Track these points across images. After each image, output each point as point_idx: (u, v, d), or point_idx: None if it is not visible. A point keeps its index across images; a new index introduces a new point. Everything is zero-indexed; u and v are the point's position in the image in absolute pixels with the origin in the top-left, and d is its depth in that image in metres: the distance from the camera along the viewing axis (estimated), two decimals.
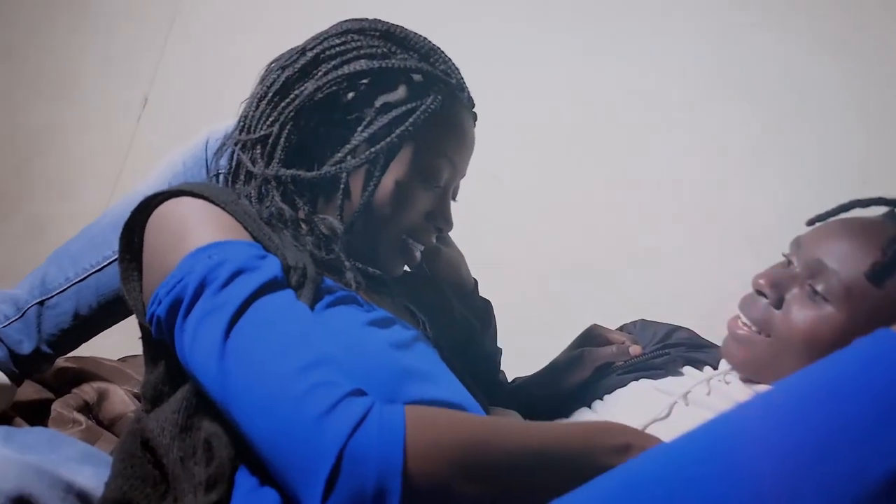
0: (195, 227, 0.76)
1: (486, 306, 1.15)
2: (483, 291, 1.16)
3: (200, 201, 0.79)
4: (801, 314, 0.89)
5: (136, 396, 1.08)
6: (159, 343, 0.76)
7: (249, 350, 0.66)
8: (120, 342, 1.26)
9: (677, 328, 1.13)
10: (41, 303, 0.96)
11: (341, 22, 0.93)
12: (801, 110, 1.64)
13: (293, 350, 0.65)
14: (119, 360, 1.26)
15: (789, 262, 0.94)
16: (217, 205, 0.79)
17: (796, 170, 1.59)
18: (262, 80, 0.92)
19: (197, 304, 0.69)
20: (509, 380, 1.19)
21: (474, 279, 1.14)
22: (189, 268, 0.71)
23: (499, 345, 1.17)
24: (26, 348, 0.95)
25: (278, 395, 0.62)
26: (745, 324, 0.94)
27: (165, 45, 2.12)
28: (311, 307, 0.74)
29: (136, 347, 1.30)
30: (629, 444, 0.66)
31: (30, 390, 1.06)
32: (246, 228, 0.79)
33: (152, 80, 2.11)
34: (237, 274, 0.70)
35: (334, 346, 0.69)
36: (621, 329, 1.16)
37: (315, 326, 0.71)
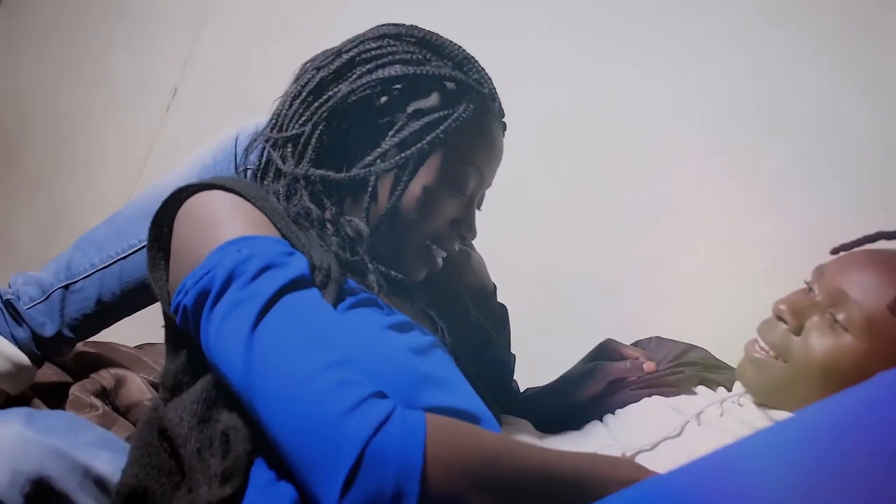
0: (225, 221, 0.77)
1: (503, 311, 1.16)
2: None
3: (231, 195, 0.80)
4: (819, 342, 0.89)
5: (153, 384, 1.09)
6: (182, 333, 0.77)
7: (275, 344, 0.67)
8: (137, 329, 1.28)
9: (692, 347, 1.13)
10: (66, 287, 0.98)
11: (378, 26, 0.94)
12: (827, 140, 1.64)
13: (318, 347, 0.66)
14: (136, 347, 1.27)
15: (810, 290, 0.94)
16: (247, 200, 0.81)
17: (821, 198, 1.58)
18: (297, 79, 0.94)
19: (224, 296, 0.70)
20: (518, 388, 1.20)
21: (493, 283, 1.15)
22: (218, 260, 0.73)
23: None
24: (49, 331, 0.97)
25: (302, 390, 0.63)
26: (762, 347, 0.94)
27: (198, 37, 2.13)
28: (334, 307, 0.75)
29: (153, 336, 1.33)
30: (636, 480, 0.66)
31: (49, 372, 1.08)
32: (275, 225, 0.80)
33: (183, 71, 2.12)
34: (266, 269, 0.71)
35: (355, 346, 0.70)
36: (636, 345, 1.16)
37: (339, 326, 0.72)
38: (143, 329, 1.29)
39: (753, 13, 1.75)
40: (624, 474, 0.67)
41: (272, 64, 2.04)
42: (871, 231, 0.92)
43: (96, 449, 0.71)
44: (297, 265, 0.74)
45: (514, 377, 1.19)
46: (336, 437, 0.59)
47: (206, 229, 0.77)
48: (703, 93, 1.75)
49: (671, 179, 1.70)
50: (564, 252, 1.70)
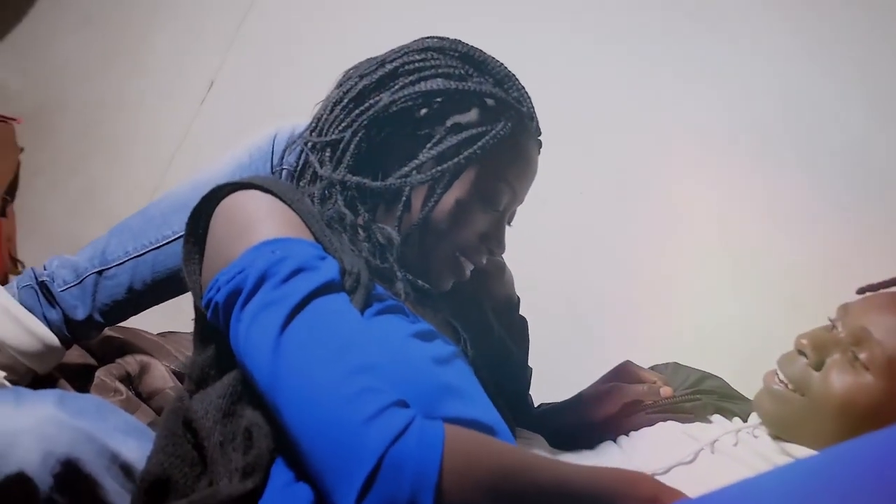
0: (261, 221, 0.79)
1: (523, 324, 1.17)
2: None
3: (269, 196, 0.82)
4: (839, 379, 0.89)
5: (175, 373, 1.11)
6: (211, 327, 0.79)
7: (303, 348, 0.68)
8: (160, 317, 1.30)
9: (709, 376, 1.13)
10: (99, 272, 1.00)
11: (423, 38, 0.95)
12: (855, 172, 1.63)
13: (344, 353, 0.68)
14: (159, 334, 1.29)
15: (834, 327, 0.94)
16: (284, 201, 0.82)
17: (847, 231, 1.58)
18: (340, 85, 0.95)
19: (255, 296, 0.72)
20: (533, 402, 1.21)
21: (518, 297, 1.16)
22: (251, 260, 0.74)
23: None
24: (80, 314, 0.99)
25: (325, 395, 0.64)
26: (781, 380, 0.94)
27: (238, 33, 2.16)
28: (362, 312, 0.76)
29: (175, 324, 1.35)
30: (657, 497, 0.67)
31: (75, 354, 1.10)
32: (309, 228, 0.81)
33: (221, 65, 2.15)
34: (298, 272, 0.73)
35: (380, 353, 0.71)
36: (653, 369, 1.16)
37: (365, 332, 0.73)
38: (165, 317, 1.31)
39: (789, 40, 1.76)
40: (643, 492, 0.67)
41: (308, 65, 2.08)
42: None
43: (124, 435, 0.73)
44: (329, 270, 0.75)
45: (529, 391, 1.20)
46: (355, 443, 0.60)
47: (241, 228, 0.79)
48: (732, 118, 1.75)
49: (695, 204, 1.71)
50: (587, 269, 1.70)
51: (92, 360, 1.12)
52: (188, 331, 1.31)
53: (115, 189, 2.22)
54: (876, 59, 1.68)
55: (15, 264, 2.16)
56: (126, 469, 0.71)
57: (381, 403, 0.62)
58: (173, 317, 1.27)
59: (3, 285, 1.96)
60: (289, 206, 0.82)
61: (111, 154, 2.24)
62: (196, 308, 0.84)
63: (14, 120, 2.18)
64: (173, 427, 0.76)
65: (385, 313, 0.79)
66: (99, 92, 2.27)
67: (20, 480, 0.65)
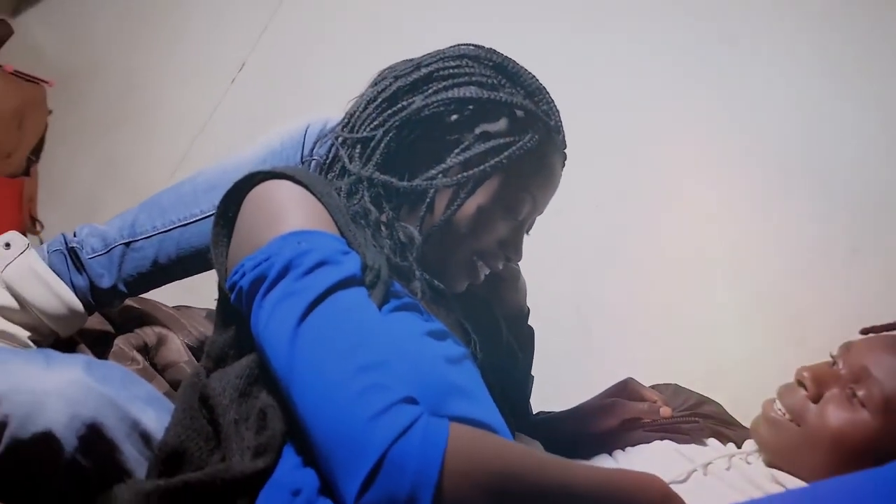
0: (289, 212, 0.81)
1: (530, 334, 1.18)
2: None
3: (299, 187, 0.84)
4: (836, 413, 0.92)
5: (189, 347, 1.14)
6: (233, 309, 0.81)
7: (319, 340, 0.69)
8: (175, 290, 1.32)
9: (708, 400, 1.16)
10: (127, 244, 1.02)
11: (459, 45, 0.97)
12: (874, 215, 1.65)
13: (358, 348, 0.69)
14: (174, 307, 1.32)
15: (835, 363, 0.96)
16: (313, 194, 0.84)
17: (860, 273, 1.59)
18: (375, 84, 0.97)
19: (278, 285, 0.73)
20: (532, 410, 1.23)
21: (528, 307, 1.18)
22: (277, 249, 0.76)
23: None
24: (106, 283, 1.01)
25: (336, 389, 0.65)
26: (779, 409, 0.97)
27: (273, 17, 2.19)
28: (379, 307, 0.77)
29: (189, 299, 1.38)
30: (667, 501, 0.68)
31: (94, 321, 1.12)
32: (336, 222, 0.83)
33: (254, 47, 2.17)
34: (321, 264, 0.74)
35: (394, 350, 0.72)
36: (654, 388, 1.19)
37: (381, 328, 0.74)
38: (180, 291, 1.34)
39: (806, 57, 1.77)
40: (654, 496, 0.68)
41: (338, 56, 2.11)
42: None
43: (144, 404, 0.76)
44: (351, 264, 0.77)
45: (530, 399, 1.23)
46: (361, 439, 0.62)
47: (270, 216, 0.81)
48: (752, 150, 1.76)
49: (711, 234, 1.72)
50: (598, 283, 1.72)
51: (110, 328, 1.15)
52: (202, 306, 1.35)
53: (138, 159, 2.25)
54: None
55: (34, 224, 2.20)
56: (145, 437, 0.74)
57: (388, 400, 0.64)
58: (189, 290, 1.30)
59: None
60: (318, 198, 0.84)
61: (138, 124, 2.27)
62: (220, 289, 0.86)
63: (46, 83, 2.21)
64: (190, 401, 0.79)
65: (401, 310, 0.81)
66: (131, 62, 2.30)
67: (47, 439, 0.68)
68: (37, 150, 2.28)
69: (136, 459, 0.73)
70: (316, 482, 0.67)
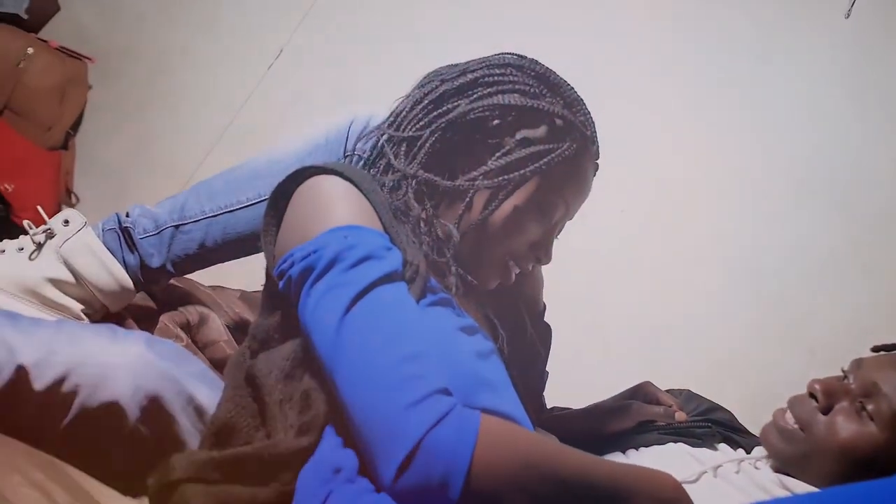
0: (338, 207, 0.85)
1: (548, 331, 1.22)
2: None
3: (347, 184, 0.88)
4: (844, 425, 0.96)
5: (227, 326, 1.19)
6: (280, 295, 0.86)
7: (363, 331, 0.74)
8: (212, 271, 1.38)
9: (720, 408, 1.20)
10: (176, 227, 1.07)
11: (503, 54, 1.01)
12: (888, 231, 1.68)
13: (398, 340, 0.74)
14: (210, 287, 1.37)
15: (846, 377, 1.00)
16: (361, 191, 0.88)
17: (873, 287, 1.63)
18: (422, 86, 1.00)
19: (325, 276, 0.78)
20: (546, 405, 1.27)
21: (544, 303, 1.22)
22: (325, 242, 0.80)
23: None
24: (155, 262, 1.07)
25: (378, 377, 0.70)
26: (790, 419, 1.01)
27: (312, 8, 2.22)
28: (417, 301, 0.82)
29: (224, 280, 1.43)
30: (677, 500, 0.73)
31: (137, 297, 1.18)
32: (380, 218, 0.87)
33: (292, 34, 2.21)
34: (366, 259, 0.79)
35: (430, 343, 0.77)
36: (668, 392, 1.23)
37: (419, 322, 0.79)
38: (215, 271, 1.39)
39: (831, 92, 1.80)
40: (666, 493, 0.72)
41: (374, 51, 2.15)
42: None
43: (197, 381, 0.81)
44: (393, 260, 0.82)
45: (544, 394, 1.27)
46: (399, 425, 0.67)
47: (319, 210, 0.85)
48: (770, 162, 1.80)
49: (727, 243, 1.76)
50: (617, 287, 1.77)
51: (151, 304, 1.20)
52: (234, 287, 1.40)
53: (173, 138, 2.30)
54: None
55: (69, 196, 2.26)
56: (199, 411, 0.79)
57: (425, 390, 0.69)
58: (223, 273, 1.35)
59: (54, 212, 2.08)
60: (364, 195, 0.88)
61: (174, 104, 2.31)
62: (268, 275, 0.92)
63: (89, 59, 2.26)
64: (237, 380, 0.84)
65: (437, 305, 0.86)
66: (171, 43, 2.34)
67: (113, 408, 0.74)
68: (75, 125, 2.33)
69: (189, 431, 0.78)
70: (356, 462, 0.72)
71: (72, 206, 2.26)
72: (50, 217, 1.03)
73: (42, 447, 0.69)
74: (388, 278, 0.79)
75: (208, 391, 0.81)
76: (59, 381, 0.72)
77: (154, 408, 0.75)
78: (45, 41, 2.16)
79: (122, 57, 2.35)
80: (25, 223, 1.03)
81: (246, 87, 2.24)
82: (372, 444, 0.69)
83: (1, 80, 2.05)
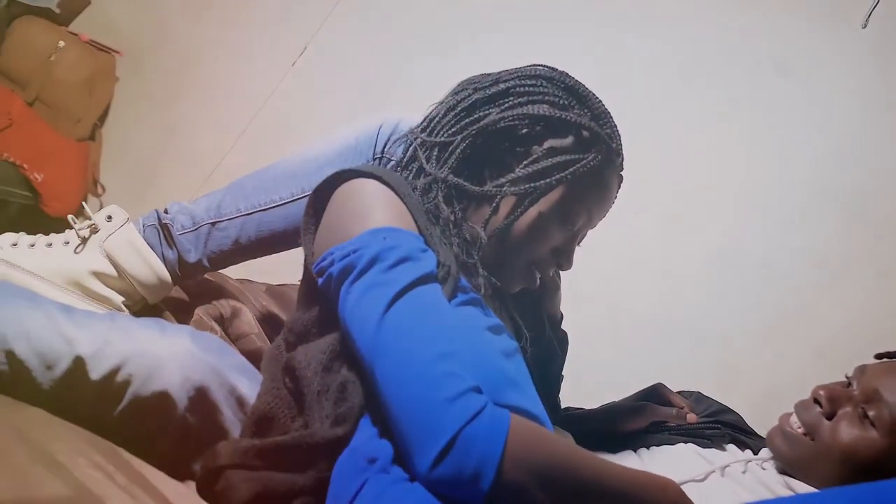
0: (376, 209, 0.89)
1: (565, 338, 1.27)
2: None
3: (385, 187, 0.92)
4: (847, 431, 0.99)
5: (257, 319, 1.24)
6: (318, 291, 0.90)
7: (401, 329, 0.78)
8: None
9: (729, 410, 1.24)
10: (213, 224, 1.12)
11: (535, 65, 1.04)
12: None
13: (435, 338, 0.78)
14: (237, 280, 1.42)
15: (849, 384, 1.04)
16: (397, 194, 0.92)
17: (882, 297, 1.66)
18: (455, 93, 1.04)
19: (365, 275, 0.82)
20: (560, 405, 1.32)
21: (561, 313, 1.26)
22: (365, 242, 0.85)
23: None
24: (192, 258, 1.11)
25: (417, 373, 0.75)
26: (795, 423, 1.04)
27: (336, 7, 2.27)
28: (449, 300, 0.86)
29: (249, 274, 1.47)
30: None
31: (173, 290, 1.23)
32: (415, 221, 0.91)
33: (317, 31, 2.25)
34: (404, 260, 0.83)
35: (463, 342, 0.81)
36: (679, 393, 1.27)
37: (452, 322, 0.83)
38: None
39: (849, 103, 1.83)
40: (670, 498, 0.77)
41: (397, 51, 2.19)
42: None
43: (238, 372, 0.86)
44: (429, 262, 0.86)
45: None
46: (437, 419, 0.71)
47: (359, 211, 0.89)
48: (786, 170, 1.83)
49: (742, 247, 1.80)
50: (632, 289, 1.81)
51: (184, 296, 1.25)
52: (260, 280, 1.45)
53: (198, 131, 2.35)
54: None
55: (96, 186, 2.31)
56: (240, 401, 0.84)
57: (461, 387, 0.73)
58: (249, 268, 1.40)
59: (84, 203, 2.14)
60: (401, 199, 0.92)
61: (199, 98, 2.36)
62: (305, 271, 0.96)
63: (117, 52, 2.31)
64: (275, 372, 0.89)
65: (467, 304, 0.89)
66: (197, 38, 2.39)
67: (163, 398, 0.79)
68: (102, 117, 2.39)
69: (231, 421, 0.83)
70: (390, 452, 0.76)
71: (98, 196, 2.31)
72: (93, 213, 1.08)
73: (97, 433, 0.73)
74: (424, 279, 0.83)
75: (248, 382, 0.86)
76: (114, 372, 0.77)
77: (200, 398, 0.80)
78: (75, 34, 2.21)
79: (150, 51, 2.40)
80: (70, 218, 1.08)
81: (270, 83, 2.28)
82: (409, 436, 0.73)
83: (33, 73, 2.11)
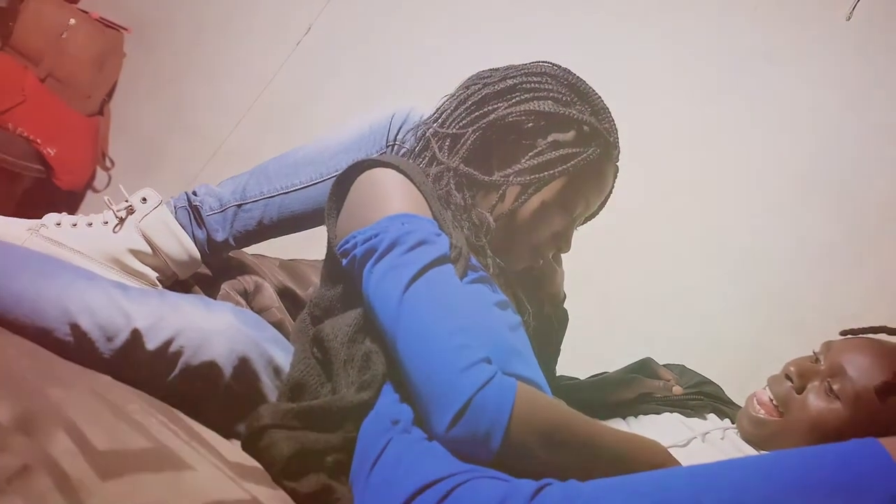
0: (395, 197, 0.98)
1: (565, 316, 1.35)
2: None
3: (402, 176, 1.01)
4: (815, 403, 1.08)
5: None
6: (341, 271, 0.99)
7: (420, 305, 0.88)
8: None
9: (709, 382, 1.34)
10: (238, 206, 1.20)
11: (540, 62, 1.12)
12: (883, 227, 1.80)
13: (450, 314, 0.87)
14: (253, 255, 1.50)
15: (817, 359, 1.12)
16: (413, 182, 1.01)
17: (861, 276, 1.76)
18: (466, 87, 1.12)
19: (386, 257, 0.92)
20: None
21: (564, 293, 1.35)
22: (385, 227, 0.94)
23: None
24: (220, 237, 1.20)
25: (435, 345, 0.84)
26: (769, 397, 1.14)
27: None
28: (461, 279, 0.95)
29: (264, 250, 1.56)
30: (665, 464, 0.87)
31: None
32: (430, 207, 1.00)
33: (320, 14, 2.31)
34: (421, 244, 0.92)
35: (475, 316, 0.90)
36: (665, 366, 1.38)
37: (465, 298, 0.92)
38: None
39: (832, 93, 1.92)
40: (654, 459, 0.87)
41: (398, 35, 2.25)
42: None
43: (273, 344, 0.95)
44: (443, 245, 0.95)
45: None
46: (452, 386, 0.81)
47: (379, 198, 0.98)
48: (771, 157, 1.91)
49: (727, 229, 1.89)
50: (621, 270, 1.90)
51: (207, 272, 1.34)
52: (272, 256, 1.54)
53: (203, 108, 2.41)
54: None
55: (104, 159, 2.38)
56: (276, 370, 0.94)
57: (473, 358, 0.82)
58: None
59: (92, 177, 2.23)
60: (416, 187, 1.01)
61: (205, 75, 2.42)
62: (329, 252, 1.05)
63: (125, 29, 2.36)
64: (304, 344, 0.99)
65: (477, 282, 0.99)
66: (204, 16, 2.44)
67: (211, 367, 0.88)
68: (109, 92, 2.45)
69: (269, 388, 0.93)
70: (411, 415, 0.86)
71: (107, 169, 2.38)
72: (129, 195, 1.16)
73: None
74: (439, 261, 0.92)
75: (282, 353, 0.96)
76: (168, 343, 0.87)
77: (243, 367, 0.90)
78: (85, 12, 2.27)
79: (157, 28, 2.46)
80: (106, 199, 1.17)
81: (276, 61, 2.34)
82: (428, 400, 0.82)
83: (46, 50, 2.17)
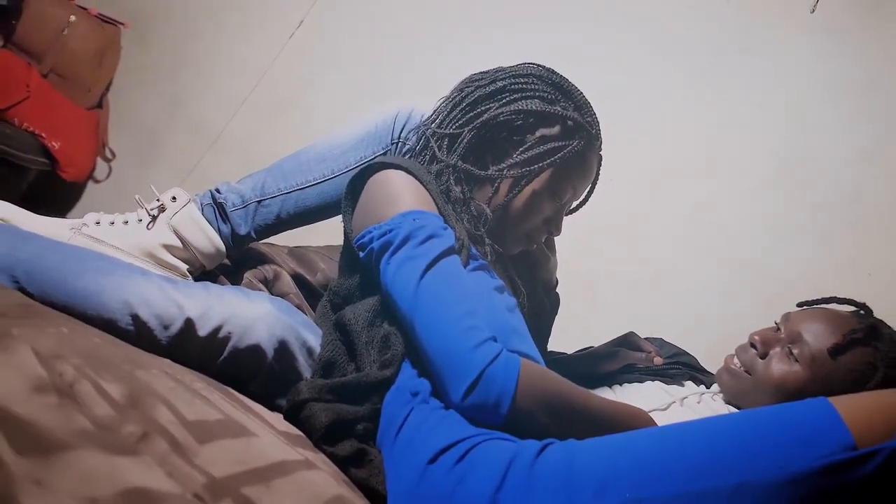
0: (406, 196, 1.09)
1: (557, 299, 1.47)
2: None
3: (410, 176, 1.12)
4: (777, 367, 1.20)
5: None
6: (358, 261, 1.11)
7: (433, 293, 1.00)
8: None
9: (685, 353, 1.48)
10: (258, 202, 1.31)
11: (527, 64, 1.23)
12: (846, 209, 1.93)
13: (460, 299, 0.99)
14: (264, 243, 1.60)
15: (778, 328, 1.25)
16: (420, 182, 1.12)
17: (824, 253, 1.90)
18: (460, 90, 1.23)
19: (401, 250, 1.03)
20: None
21: (557, 279, 1.47)
22: (398, 223, 1.05)
23: None
24: (242, 231, 1.31)
25: (448, 327, 0.96)
26: (736, 363, 1.27)
27: None
28: (465, 266, 1.07)
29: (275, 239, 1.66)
30: (647, 426, 0.99)
31: None
32: (436, 203, 1.12)
33: (311, 8, 2.39)
34: (431, 237, 1.04)
35: (480, 301, 1.02)
36: (646, 339, 1.51)
37: (471, 285, 1.04)
38: None
39: (809, 83, 2.03)
40: (638, 422, 1.00)
41: (386, 29, 2.34)
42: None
43: (305, 328, 1.07)
44: (449, 237, 1.07)
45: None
46: (465, 362, 0.93)
47: (391, 197, 1.10)
48: (749, 145, 2.03)
49: (708, 213, 2.01)
50: (608, 252, 2.02)
51: (227, 262, 1.45)
52: (282, 244, 1.65)
53: (199, 100, 2.49)
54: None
55: (104, 150, 2.47)
56: (309, 351, 1.06)
57: (482, 337, 0.95)
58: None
59: (93, 166, 2.30)
60: (423, 185, 1.13)
61: (201, 69, 2.50)
62: (346, 245, 1.16)
63: (122, 24, 2.43)
64: (329, 327, 1.11)
65: (478, 270, 1.11)
66: (200, 10, 2.50)
67: (256, 350, 1.00)
68: (107, 85, 2.52)
69: (304, 367, 1.05)
70: (429, 387, 0.98)
71: (108, 161, 2.46)
72: (160, 194, 1.27)
73: None
74: (447, 252, 1.04)
75: (312, 336, 1.08)
76: (217, 330, 0.98)
77: (282, 349, 1.02)
78: (85, 9, 2.34)
79: (154, 21, 2.52)
80: (137, 197, 1.27)
81: (270, 54, 2.43)
82: (444, 375, 0.95)
83: (48, 46, 2.24)
